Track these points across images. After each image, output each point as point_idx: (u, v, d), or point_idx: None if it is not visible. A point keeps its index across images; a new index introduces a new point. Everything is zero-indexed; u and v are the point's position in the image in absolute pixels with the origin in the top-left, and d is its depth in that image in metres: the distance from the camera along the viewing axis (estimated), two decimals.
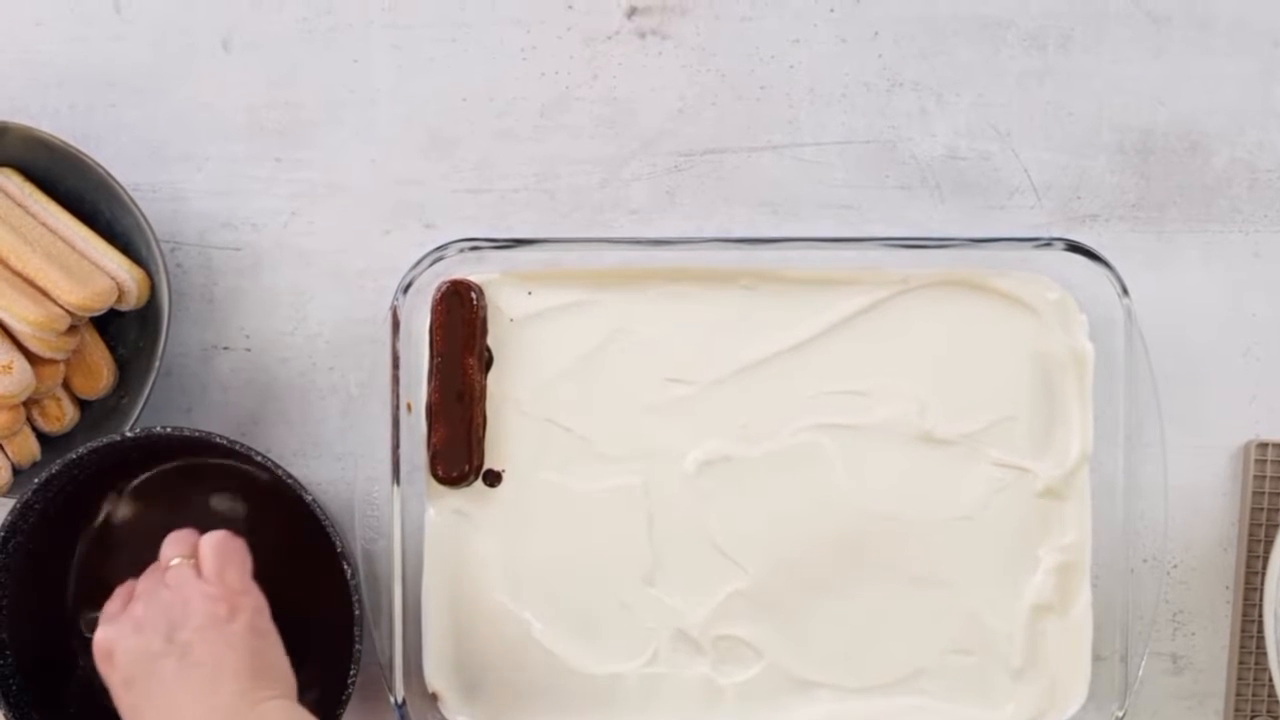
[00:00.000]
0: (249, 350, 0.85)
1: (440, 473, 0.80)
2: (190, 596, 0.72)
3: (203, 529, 0.80)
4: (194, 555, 0.75)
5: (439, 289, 0.80)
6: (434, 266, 0.79)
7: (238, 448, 0.77)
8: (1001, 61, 0.84)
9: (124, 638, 0.72)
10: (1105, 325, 0.80)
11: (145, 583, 0.75)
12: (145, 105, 0.85)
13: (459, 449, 0.79)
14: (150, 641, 0.71)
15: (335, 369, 0.85)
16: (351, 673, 0.76)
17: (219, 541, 0.74)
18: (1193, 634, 0.84)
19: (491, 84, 0.85)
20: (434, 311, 0.80)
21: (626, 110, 0.85)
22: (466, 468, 0.80)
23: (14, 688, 0.78)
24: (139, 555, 0.83)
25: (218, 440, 0.77)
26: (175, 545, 0.75)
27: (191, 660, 0.70)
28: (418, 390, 0.80)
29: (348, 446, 0.84)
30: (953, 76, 0.84)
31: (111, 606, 0.75)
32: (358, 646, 0.76)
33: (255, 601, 0.74)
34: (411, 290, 0.79)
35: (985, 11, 0.84)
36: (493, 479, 0.81)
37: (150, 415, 0.83)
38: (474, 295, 0.79)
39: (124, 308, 0.81)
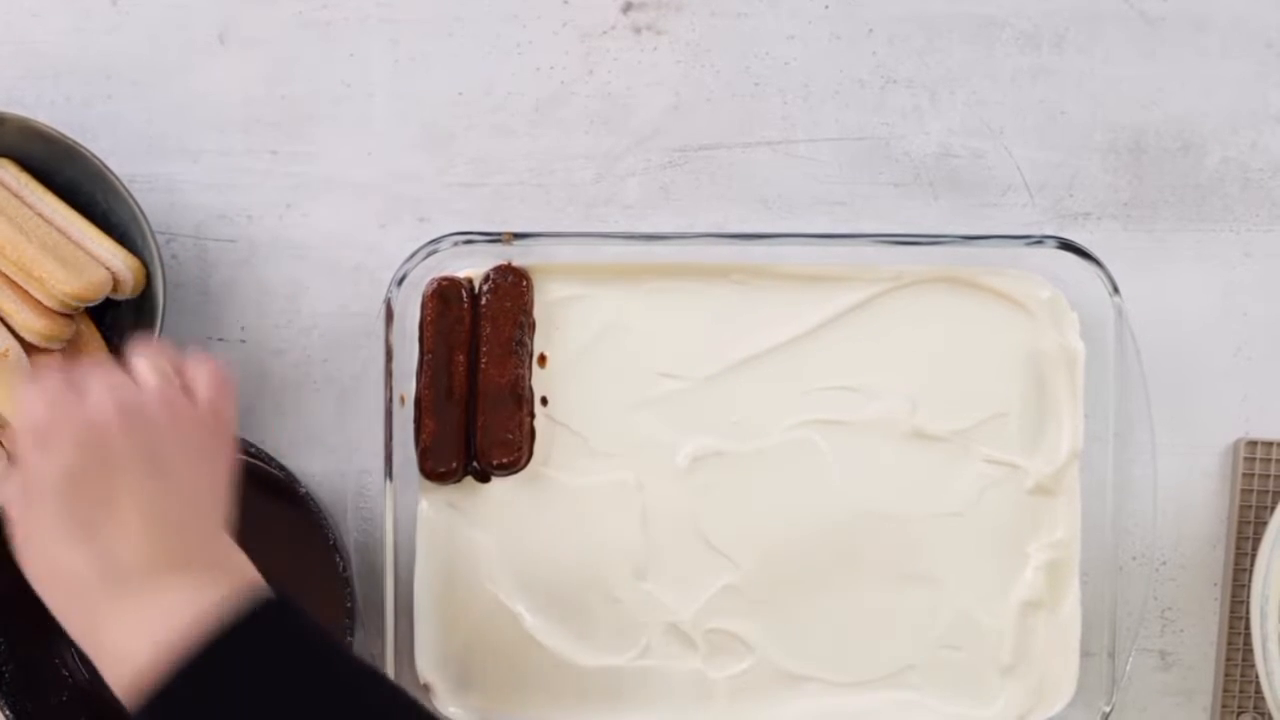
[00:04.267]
0: (244, 342, 0.85)
1: (429, 469, 0.80)
2: (183, 416, 0.62)
3: None
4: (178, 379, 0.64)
5: (429, 286, 0.80)
6: (428, 260, 0.80)
7: None
8: (996, 60, 0.85)
9: (76, 415, 0.60)
10: (1097, 323, 0.80)
11: (108, 376, 0.62)
12: (142, 97, 0.85)
13: (448, 446, 0.80)
14: (121, 442, 0.60)
15: (329, 361, 0.85)
16: None
17: (217, 373, 0.65)
18: (1181, 631, 0.84)
19: (487, 79, 0.85)
20: (424, 309, 0.80)
21: (621, 106, 0.85)
22: (455, 464, 0.80)
23: (6, 674, 0.79)
24: None
25: None
26: (150, 360, 0.64)
27: (185, 463, 0.61)
28: (411, 383, 0.80)
29: (341, 439, 0.84)
30: (947, 74, 0.85)
31: (41, 388, 0.62)
32: (350, 638, 0.77)
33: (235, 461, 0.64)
34: (405, 284, 0.80)
35: (980, 10, 0.85)
36: (484, 474, 0.81)
37: None
38: (464, 293, 0.80)
39: (120, 298, 0.81)
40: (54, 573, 0.59)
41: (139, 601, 0.57)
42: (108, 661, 0.57)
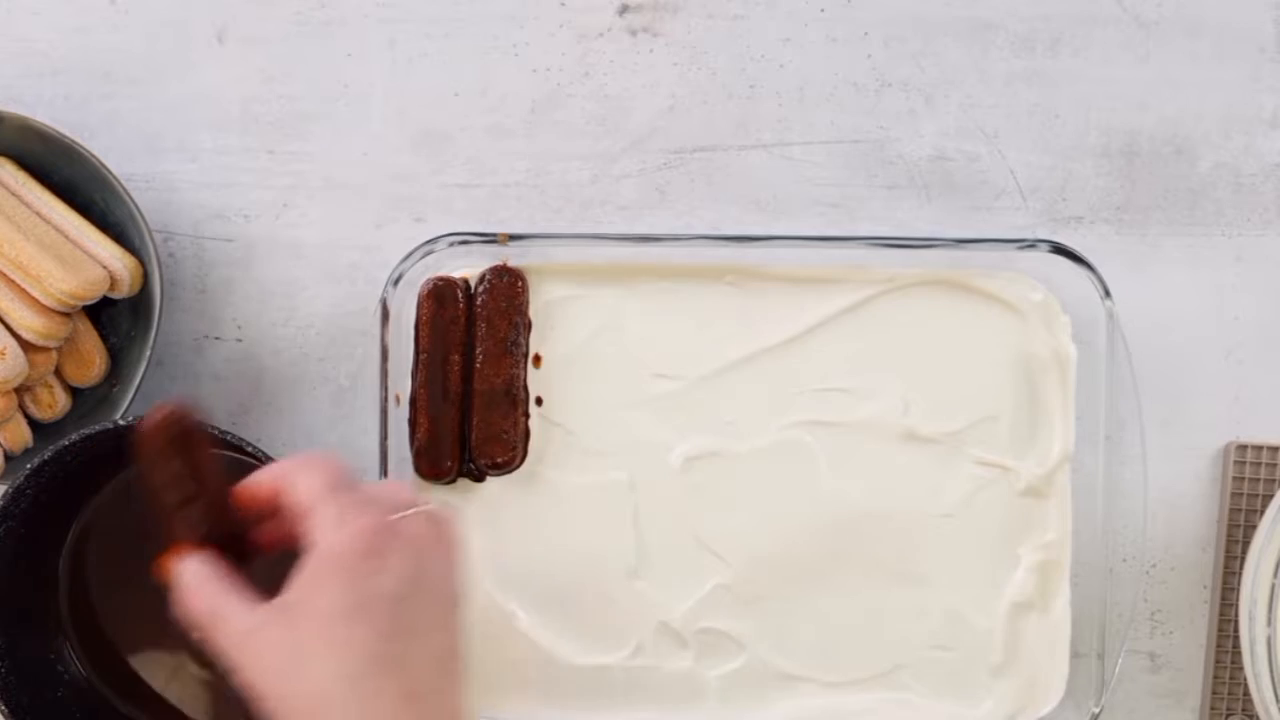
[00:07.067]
0: (240, 341, 0.86)
1: (424, 469, 0.80)
2: (452, 561, 0.62)
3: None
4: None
5: (424, 286, 0.80)
6: (424, 260, 0.80)
7: (229, 438, 0.77)
8: (990, 63, 0.85)
9: (403, 543, 0.59)
10: (1088, 326, 0.80)
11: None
12: (140, 96, 0.86)
13: (443, 445, 0.80)
14: (430, 578, 0.60)
15: (326, 360, 0.85)
16: None
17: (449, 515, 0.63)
18: (1171, 633, 0.85)
19: (484, 79, 0.85)
20: (419, 308, 0.80)
21: (617, 107, 0.85)
22: (450, 464, 0.80)
23: (3, 670, 0.79)
24: (130, 543, 0.84)
25: (209, 430, 0.77)
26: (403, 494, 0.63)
27: (461, 602, 0.61)
28: (406, 383, 0.81)
29: (337, 438, 0.85)
30: (941, 78, 0.85)
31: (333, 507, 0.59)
32: None
33: None
34: (401, 283, 0.80)
35: (975, 14, 0.85)
36: (479, 473, 0.82)
37: (142, 404, 0.83)
38: (459, 293, 0.80)
39: (117, 296, 0.82)
40: (343, 711, 0.57)
41: None
42: None
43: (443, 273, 0.81)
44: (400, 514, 0.60)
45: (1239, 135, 0.85)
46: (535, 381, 0.82)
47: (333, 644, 0.56)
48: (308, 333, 0.85)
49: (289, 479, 0.61)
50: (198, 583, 0.60)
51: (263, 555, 0.64)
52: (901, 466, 0.81)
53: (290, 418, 0.85)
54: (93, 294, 0.79)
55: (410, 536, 0.60)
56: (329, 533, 0.58)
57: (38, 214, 0.81)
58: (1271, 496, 0.82)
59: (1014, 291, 0.81)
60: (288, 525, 0.61)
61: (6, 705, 0.78)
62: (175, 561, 0.60)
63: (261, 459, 0.77)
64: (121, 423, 0.78)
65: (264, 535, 0.63)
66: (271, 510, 0.62)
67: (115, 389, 0.83)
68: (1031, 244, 0.80)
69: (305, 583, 0.58)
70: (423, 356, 0.80)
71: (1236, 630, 0.80)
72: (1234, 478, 0.83)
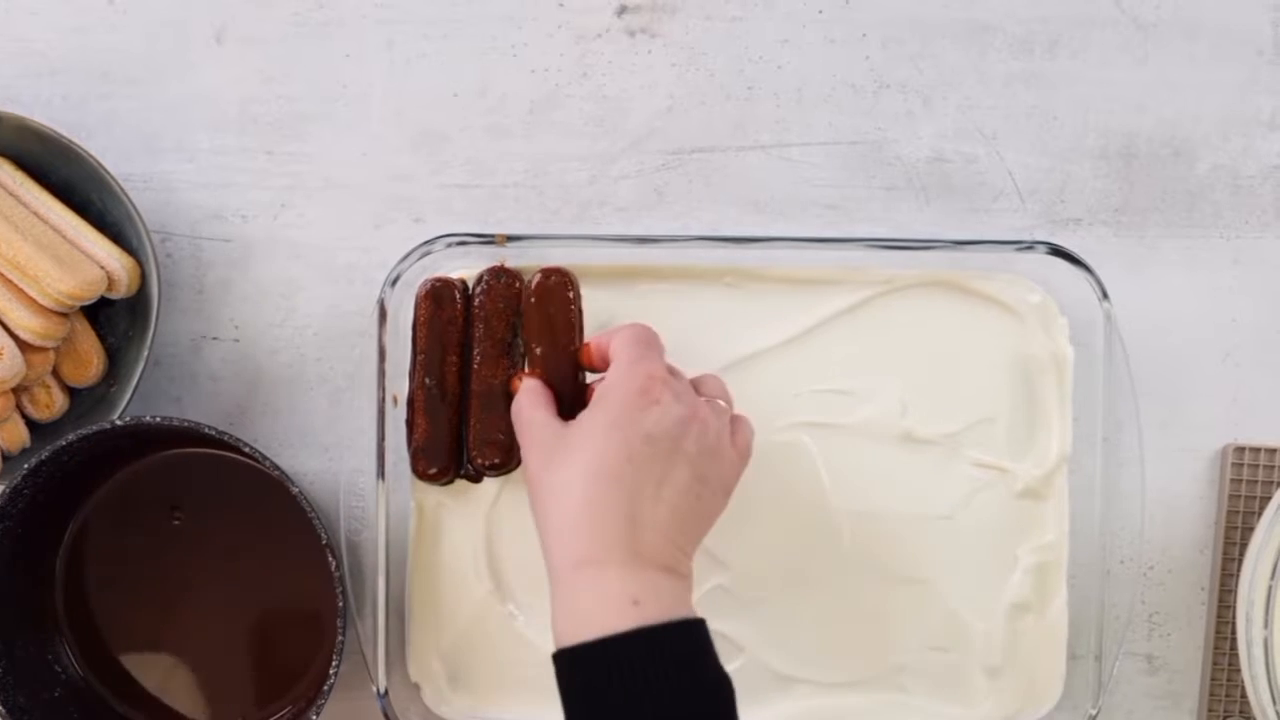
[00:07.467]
0: (238, 341, 0.86)
1: (421, 470, 0.80)
2: (726, 452, 0.71)
3: (195, 521, 0.81)
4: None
5: (422, 287, 0.80)
6: (422, 261, 0.80)
7: (226, 438, 0.77)
8: (988, 65, 0.85)
9: (685, 396, 0.70)
10: (1086, 328, 0.80)
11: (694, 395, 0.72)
12: (138, 97, 0.86)
13: (440, 446, 0.80)
14: (694, 444, 0.68)
15: (323, 360, 0.85)
16: (334, 663, 0.77)
17: (750, 426, 0.74)
18: (1168, 635, 0.85)
19: (482, 80, 0.85)
20: (417, 309, 0.80)
21: (616, 108, 0.85)
22: (447, 464, 0.80)
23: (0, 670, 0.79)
24: (126, 543, 0.84)
25: (206, 431, 0.77)
26: (719, 386, 0.75)
27: (710, 490, 0.69)
28: (404, 383, 0.81)
29: (335, 438, 0.85)
30: (939, 79, 0.85)
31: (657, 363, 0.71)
32: (341, 637, 0.77)
33: None
34: (399, 284, 0.80)
35: (973, 15, 0.85)
36: (476, 474, 0.81)
37: (139, 404, 0.84)
38: (457, 294, 0.80)
39: (114, 296, 0.82)
40: (577, 499, 0.67)
41: (626, 573, 0.66)
42: (570, 592, 0.67)
43: (440, 273, 0.81)
44: (706, 397, 0.72)
45: (1237, 137, 0.85)
46: None
47: (586, 446, 0.68)
48: (305, 333, 0.85)
49: (612, 334, 0.73)
50: (528, 396, 0.74)
51: None
52: (899, 468, 0.81)
53: (287, 418, 0.85)
54: (90, 294, 0.79)
55: (703, 416, 0.70)
56: (623, 368, 0.70)
57: (35, 214, 0.81)
58: (1269, 498, 0.82)
59: (1012, 293, 0.81)
60: None
61: (4, 705, 0.78)
62: (522, 379, 0.76)
63: (259, 460, 0.77)
64: (119, 423, 0.78)
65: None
66: (606, 366, 0.73)
67: (113, 389, 0.83)
68: (1029, 246, 0.80)
69: (592, 404, 0.71)
70: (420, 357, 0.80)
71: (1234, 632, 0.80)
72: (1232, 480, 0.83)
